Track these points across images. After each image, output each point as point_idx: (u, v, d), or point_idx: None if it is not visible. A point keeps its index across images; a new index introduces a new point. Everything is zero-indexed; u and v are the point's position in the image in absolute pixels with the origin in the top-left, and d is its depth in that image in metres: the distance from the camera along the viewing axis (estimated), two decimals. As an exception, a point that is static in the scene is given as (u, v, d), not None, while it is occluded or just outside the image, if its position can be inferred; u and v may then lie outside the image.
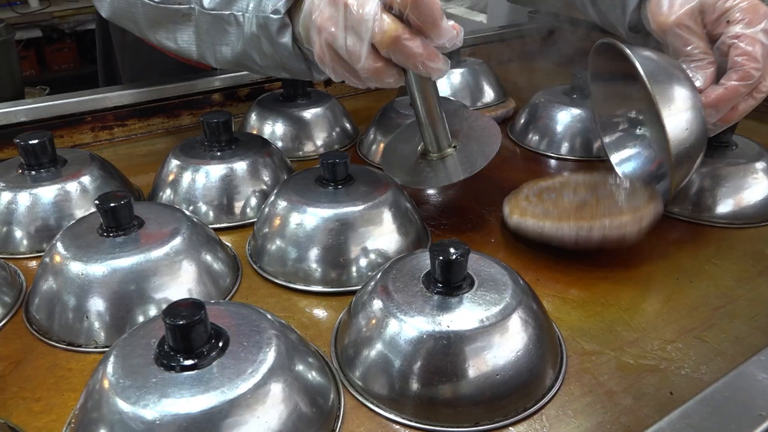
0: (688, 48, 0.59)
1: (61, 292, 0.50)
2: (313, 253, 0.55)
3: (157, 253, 0.51)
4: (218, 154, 0.68)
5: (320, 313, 0.54)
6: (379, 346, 0.44)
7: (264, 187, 0.68)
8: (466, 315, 0.43)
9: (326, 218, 0.55)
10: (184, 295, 0.52)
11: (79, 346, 0.49)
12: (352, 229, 0.55)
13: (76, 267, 0.50)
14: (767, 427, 0.34)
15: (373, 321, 0.45)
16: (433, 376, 0.42)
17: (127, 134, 0.89)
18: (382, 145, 0.81)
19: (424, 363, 0.42)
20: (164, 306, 0.38)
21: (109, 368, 0.39)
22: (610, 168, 0.71)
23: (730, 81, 0.56)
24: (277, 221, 0.57)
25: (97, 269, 0.50)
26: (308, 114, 0.84)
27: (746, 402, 0.36)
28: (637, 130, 0.73)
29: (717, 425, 0.34)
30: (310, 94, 0.87)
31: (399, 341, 0.43)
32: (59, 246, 0.52)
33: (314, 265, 0.56)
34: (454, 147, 0.64)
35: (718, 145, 0.68)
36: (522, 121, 0.88)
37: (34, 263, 0.60)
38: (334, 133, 0.86)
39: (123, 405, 0.36)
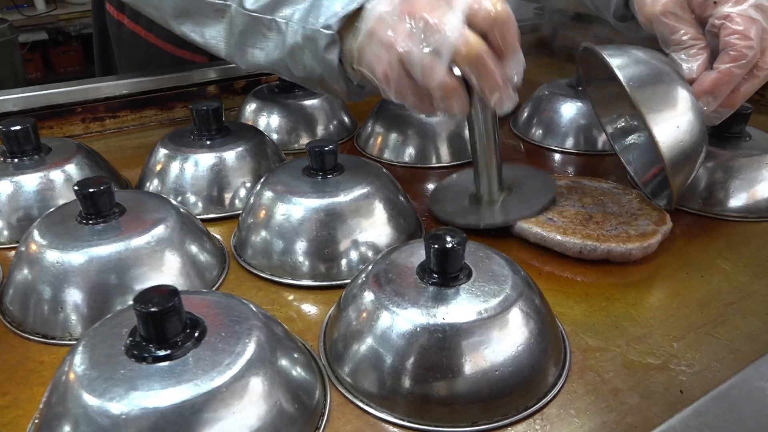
0: (677, 36, 0.56)
1: (36, 282, 0.47)
2: (300, 245, 0.53)
3: (139, 241, 0.49)
4: (208, 143, 0.66)
5: (309, 307, 0.51)
6: (369, 341, 0.41)
7: (255, 177, 0.65)
8: (462, 307, 0.40)
9: (313, 209, 0.53)
10: (167, 287, 0.49)
11: (54, 338, 0.47)
12: (341, 220, 0.53)
13: (51, 255, 0.47)
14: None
15: (364, 314, 0.43)
16: (427, 372, 0.39)
17: (119, 126, 0.86)
18: (380, 139, 0.78)
19: (418, 358, 0.39)
20: (145, 297, 0.36)
21: (76, 359, 0.36)
22: (618, 165, 0.69)
23: (723, 64, 0.53)
24: (262, 212, 0.55)
25: (74, 257, 0.47)
26: (305, 106, 0.82)
27: (764, 399, 0.33)
28: (638, 133, 0.70)
29: (733, 423, 0.31)
30: (307, 86, 0.84)
31: (391, 335, 0.40)
32: (35, 233, 0.49)
33: (301, 258, 0.53)
34: (507, 194, 0.61)
35: (730, 136, 0.65)
36: (525, 114, 0.85)
37: (13, 254, 0.58)
38: (331, 126, 0.83)
39: (88, 398, 0.33)
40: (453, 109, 0.49)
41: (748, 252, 0.57)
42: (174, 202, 0.56)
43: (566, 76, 0.89)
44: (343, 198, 0.53)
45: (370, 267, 0.45)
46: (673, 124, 0.52)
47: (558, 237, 0.55)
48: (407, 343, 0.40)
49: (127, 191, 0.57)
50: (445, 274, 0.42)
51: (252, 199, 0.57)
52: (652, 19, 0.57)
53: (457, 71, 0.48)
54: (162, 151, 0.66)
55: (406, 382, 0.40)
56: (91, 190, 0.49)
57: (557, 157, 0.79)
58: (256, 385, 0.36)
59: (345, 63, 0.53)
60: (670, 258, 0.56)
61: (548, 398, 0.41)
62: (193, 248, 0.53)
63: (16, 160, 0.62)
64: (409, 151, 0.76)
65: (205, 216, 0.64)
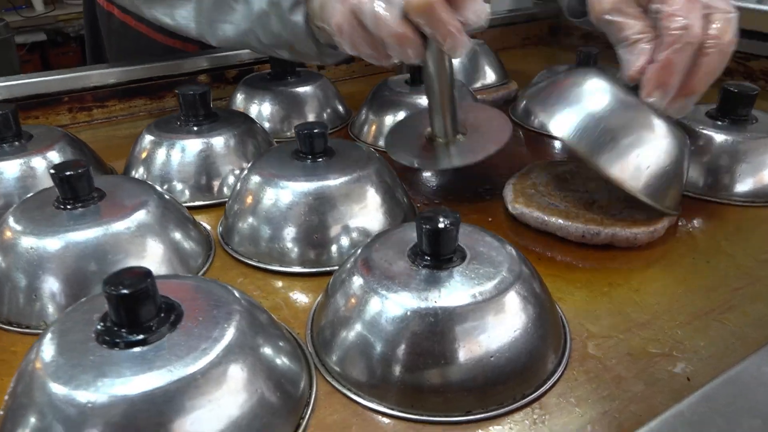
0: (624, 34, 0.51)
1: (10, 270, 0.45)
2: (288, 230, 0.50)
3: (118, 226, 0.47)
4: (195, 129, 0.63)
5: (297, 294, 0.49)
6: (358, 327, 0.39)
7: (245, 164, 0.63)
8: (456, 290, 0.38)
9: (302, 193, 0.50)
10: (148, 274, 0.47)
11: (29, 327, 0.45)
12: (331, 204, 0.50)
13: (26, 241, 0.45)
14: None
15: (352, 299, 0.40)
16: (419, 358, 0.37)
17: (107, 116, 0.84)
18: (374, 126, 0.76)
19: (409, 344, 0.37)
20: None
21: (44, 346, 0.34)
22: None
23: (661, 52, 0.48)
24: (249, 197, 0.52)
25: (50, 243, 0.45)
26: (297, 93, 0.79)
27: (779, 385, 0.31)
28: None
29: (744, 409, 0.29)
30: (300, 73, 0.82)
31: (380, 320, 0.38)
32: (10, 219, 0.47)
33: (289, 244, 0.51)
34: (463, 134, 0.60)
35: (736, 119, 0.63)
36: (524, 100, 0.83)
37: (-8, 243, 0.56)
38: (324, 114, 0.81)
39: (53, 386, 0.31)
40: (407, 56, 0.50)
41: (755, 237, 0.55)
42: (158, 188, 0.54)
43: (566, 63, 0.87)
44: (333, 182, 0.51)
45: (359, 251, 0.43)
46: (634, 163, 0.50)
47: (560, 221, 0.53)
48: (397, 329, 0.38)
49: (107, 176, 0.55)
50: (437, 256, 0.39)
51: (239, 184, 0.55)
52: (599, 18, 0.53)
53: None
54: (147, 138, 0.63)
55: (397, 370, 0.38)
56: (68, 173, 0.47)
57: (557, 144, 0.76)
58: (236, 372, 0.33)
59: (311, 23, 0.55)
60: (674, 243, 0.54)
61: (547, 386, 0.39)
62: (177, 235, 0.51)
63: (-5, 147, 0.60)
64: (405, 139, 0.74)
65: (193, 204, 0.61)
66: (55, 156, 0.61)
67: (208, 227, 0.58)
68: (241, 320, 0.36)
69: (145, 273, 0.33)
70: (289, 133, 0.78)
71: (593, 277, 0.49)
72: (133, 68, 0.83)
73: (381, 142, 0.74)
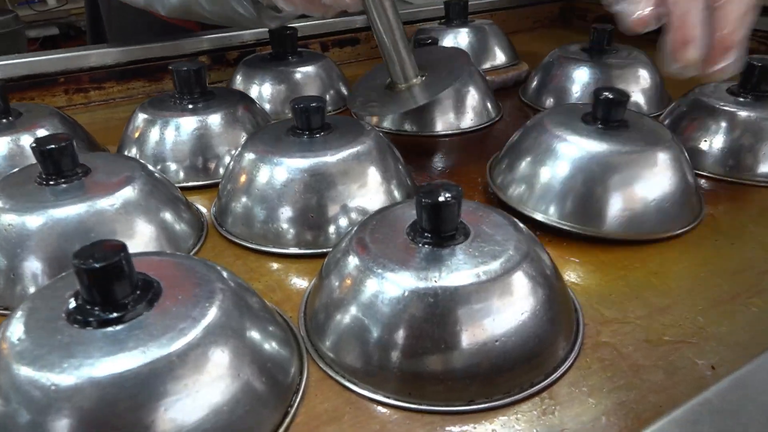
0: None
1: (-11, 248, 0.43)
2: (283, 210, 0.48)
3: (103, 203, 0.44)
4: (190, 107, 0.61)
5: (292, 276, 0.46)
6: (352, 309, 0.36)
7: (241, 143, 0.60)
8: (458, 268, 0.35)
9: (298, 170, 0.47)
10: (135, 254, 0.44)
11: (7, 309, 0.42)
12: (328, 182, 0.47)
13: (5, 218, 0.43)
14: None
15: (348, 280, 0.37)
16: (417, 342, 0.34)
17: (104, 98, 0.82)
18: (378, 107, 0.73)
19: (407, 327, 0.34)
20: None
21: (11, 327, 0.31)
22: None
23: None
24: (243, 176, 0.50)
25: (30, 220, 0.42)
26: (299, 73, 0.76)
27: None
28: None
29: (782, 399, 0.26)
30: (302, 54, 0.79)
31: (376, 302, 0.35)
32: (-12, 196, 0.45)
33: (285, 225, 0.48)
34: (423, 77, 0.59)
35: (759, 95, 0.59)
36: (536, 81, 0.79)
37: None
38: (327, 96, 0.78)
39: (17, 368, 0.29)
40: (344, 4, 0.50)
41: (782, 219, 0.51)
42: (149, 166, 0.51)
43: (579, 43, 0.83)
44: (331, 158, 0.48)
45: (354, 229, 0.40)
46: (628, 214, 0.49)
47: None
48: (395, 311, 0.35)
49: (93, 153, 0.53)
50: (438, 232, 0.36)
51: (232, 163, 0.52)
52: None
53: None
54: (141, 117, 0.61)
55: (394, 355, 0.35)
56: (50, 146, 0.44)
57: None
58: (216, 355, 0.31)
59: None
60: (696, 225, 0.50)
61: (557, 374, 0.36)
62: (167, 215, 0.48)
63: (-18, 124, 0.58)
64: (409, 120, 0.71)
65: (187, 184, 0.59)
66: (44, 134, 0.58)
67: (203, 209, 0.55)
68: (225, 300, 0.33)
69: (119, 246, 0.31)
70: (290, 115, 0.75)
71: (608, 259, 0.46)
72: (131, 48, 0.81)
73: (385, 124, 0.71)
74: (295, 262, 0.47)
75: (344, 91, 0.80)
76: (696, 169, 0.56)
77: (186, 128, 0.59)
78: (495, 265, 0.35)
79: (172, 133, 0.59)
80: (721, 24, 0.44)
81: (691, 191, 0.51)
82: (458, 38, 0.86)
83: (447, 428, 0.33)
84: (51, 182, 0.45)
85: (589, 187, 0.48)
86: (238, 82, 0.77)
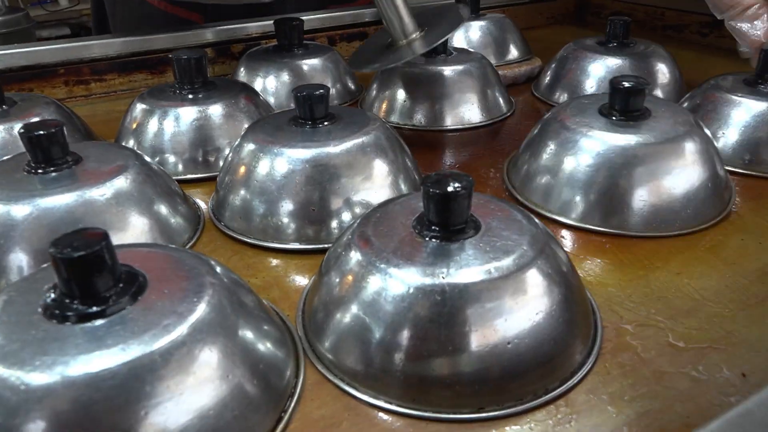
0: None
1: (-28, 239, 0.41)
2: (283, 203, 0.45)
3: (93, 193, 0.42)
4: (190, 96, 0.58)
5: (291, 273, 0.43)
6: (353, 308, 0.34)
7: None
8: (468, 264, 0.32)
9: (299, 160, 0.45)
10: (126, 248, 0.42)
11: (-10, 304, 0.40)
12: (330, 173, 0.45)
13: (-12, 207, 0.40)
14: None
15: (348, 277, 0.35)
16: (423, 344, 0.32)
17: (106, 90, 0.80)
18: (386, 101, 0.71)
19: (412, 327, 0.32)
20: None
21: (-16, 320, 0.29)
22: None
23: None
24: (241, 167, 0.47)
25: (16, 210, 0.40)
26: (304, 66, 0.74)
27: None
28: None
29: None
30: (308, 46, 0.77)
31: (379, 300, 0.33)
32: (-26, 184, 0.42)
33: (286, 219, 0.45)
34: (421, 32, 0.61)
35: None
36: (549, 75, 0.77)
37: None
38: (333, 90, 0.76)
39: (-16, 365, 0.26)
40: None
41: (813, 218, 0.48)
42: (144, 156, 0.49)
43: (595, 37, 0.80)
44: (334, 148, 0.46)
45: (356, 222, 0.38)
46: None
47: None
48: (399, 309, 0.32)
49: (86, 142, 0.51)
50: (446, 226, 0.34)
51: (231, 154, 0.50)
52: None
53: None
54: (139, 106, 0.59)
55: (397, 358, 0.32)
56: (39, 132, 0.42)
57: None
58: (203, 355, 0.28)
59: None
60: (720, 223, 0.47)
61: (574, 380, 0.33)
62: (161, 207, 0.46)
63: (-25, 112, 0.56)
64: (419, 114, 0.68)
65: (186, 177, 0.57)
66: (39, 124, 0.56)
67: (202, 203, 0.53)
68: (215, 295, 0.31)
69: (100, 234, 0.28)
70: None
71: (626, 257, 0.43)
72: (133, 39, 0.79)
73: (393, 118, 0.69)
74: (295, 258, 0.45)
75: (351, 85, 0.78)
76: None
77: (185, 119, 0.57)
78: (507, 261, 0.33)
79: (171, 124, 0.57)
80: None
81: (721, 184, 0.48)
82: (470, 32, 0.83)
83: (454, 437, 0.30)
84: (39, 171, 0.43)
85: (610, 183, 0.45)
86: (242, 74, 0.75)
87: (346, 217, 0.45)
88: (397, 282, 0.32)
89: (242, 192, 0.47)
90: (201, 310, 0.29)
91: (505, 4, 1.06)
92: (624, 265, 0.43)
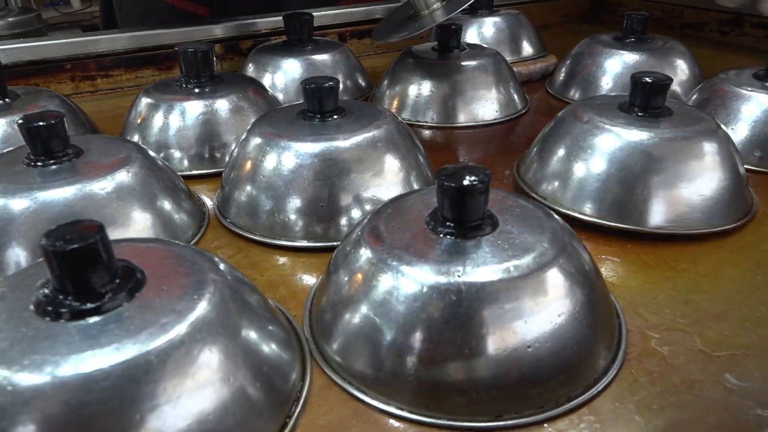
0: None
1: (-31, 233, 0.39)
2: (292, 199, 0.43)
3: (93, 187, 0.40)
4: (196, 91, 0.57)
5: (298, 271, 0.42)
6: (363, 308, 0.32)
7: (250, 130, 0.57)
8: (485, 262, 0.30)
9: (308, 155, 0.43)
10: (127, 243, 0.41)
11: (-14, 300, 0.39)
12: (341, 169, 0.43)
13: (-14, 200, 0.39)
14: None
15: (358, 275, 0.33)
16: (437, 346, 0.30)
17: (112, 86, 0.79)
18: (397, 98, 0.69)
19: (425, 329, 0.30)
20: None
21: (-27, 316, 0.27)
22: None
23: None
24: (248, 162, 0.46)
25: (14, 203, 0.39)
26: (314, 61, 0.72)
27: None
28: None
29: None
30: (318, 42, 0.75)
31: (390, 300, 0.31)
32: (-28, 176, 0.41)
33: (293, 216, 0.44)
34: (443, 2, 0.63)
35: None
36: (564, 72, 0.74)
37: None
38: (344, 86, 0.74)
39: (-30, 364, 0.25)
40: None
41: None
42: (148, 150, 0.47)
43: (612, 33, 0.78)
44: (343, 142, 0.44)
45: (367, 218, 0.36)
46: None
47: None
48: (411, 309, 0.30)
49: (88, 135, 0.49)
50: (462, 222, 0.32)
51: (237, 149, 0.48)
52: None
53: None
54: (144, 101, 0.57)
55: (410, 361, 0.30)
56: (38, 123, 0.41)
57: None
58: (203, 355, 0.26)
59: None
60: (747, 223, 0.45)
61: (599, 387, 0.31)
62: (165, 203, 0.44)
63: (-23, 105, 0.55)
64: (431, 110, 0.66)
65: (191, 173, 0.55)
66: (42, 118, 0.55)
67: (208, 200, 0.51)
68: (216, 293, 0.29)
69: (95, 227, 0.27)
70: (303, 104, 0.71)
71: (651, 259, 0.41)
72: (139, 34, 0.78)
73: (405, 115, 0.67)
74: (302, 256, 0.43)
75: (361, 81, 0.76)
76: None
77: (191, 113, 0.55)
78: (527, 260, 0.31)
79: (177, 119, 0.56)
80: None
81: (742, 183, 0.46)
82: (483, 28, 0.81)
83: (470, 447, 0.28)
84: (39, 163, 0.42)
85: (631, 179, 0.43)
86: (250, 70, 0.73)
87: (356, 214, 0.44)
88: (409, 281, 0.30)
89: (248, 188, 0.45)
90: (201, 308, 0.28)
91: (520, 2, 1.04)
92: (648, 266, 0.40)
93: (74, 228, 0.27)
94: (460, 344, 0.29)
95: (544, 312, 0.30)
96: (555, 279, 0.31)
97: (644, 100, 0.47)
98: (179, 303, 0.27)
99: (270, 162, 0.44)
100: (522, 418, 0.30)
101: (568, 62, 0.75)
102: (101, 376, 0.24)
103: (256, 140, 0.46)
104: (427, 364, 0.30)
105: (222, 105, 0.56)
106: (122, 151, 0.44)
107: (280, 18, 0.77)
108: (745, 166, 0.51)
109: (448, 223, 0.32)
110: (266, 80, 0.72)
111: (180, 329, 0.26)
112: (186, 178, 0.53)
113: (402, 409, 0.30)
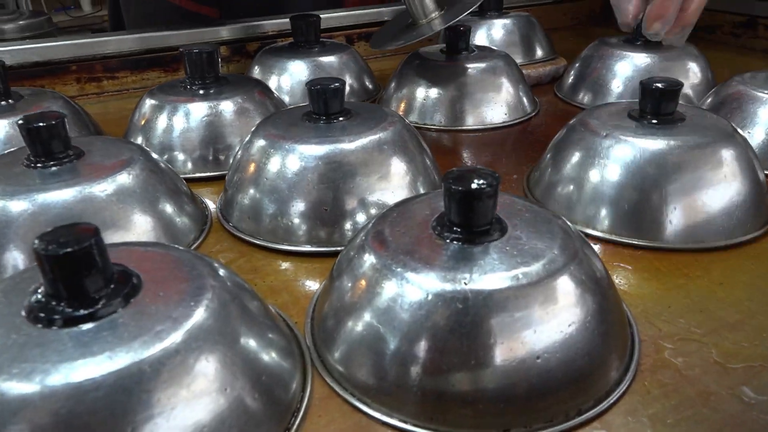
0: None
1: (-33, 236, 0.39)
2: (296, 203, 0.42)
3: (94, 189, 0.40)
4: (201, 92, 0.56)
5: (301, 277, 0.41)
6: (366, 316, 0.31)
7: (254, 133, 0.56)
8: (493, 269, 0.29)
9: (312, 157, 0.42)
10: (127, 247, 0.40)
11: (-17, 304, 0.38)
12: (346, 172, 0.42)
13: (-15, 202, 0.38)
14: None
15: (362, 281, 0.32)
16: (442, 356, 0.29)
17: (118, 88, 0.78)
18: (404, 101, 0.68)
19: (430, 337, 0.29)
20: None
21: (-36, 321, 0.26)
22: None
23: None
24: (251, 165, 0.45)
25: (12, 205, 0.38)
26: (321, 63, 0.72)
27: None
28: None
29: None
30: (324, 44, 0.75)
31: (395, 307, 0.30)
32: (-29, 178, 0.40)
33: (297, 220, 0.43)
34: (441, 11, 0.63)
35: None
36: (572, 75, 0.73)
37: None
38: (350, 89, 0.73)
39: (-42, 372, 0.24)
40: None
41: None
42: (151, 152, 0.47)
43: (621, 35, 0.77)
44: (349, 145, 0.43)
45: (371, 223, 0.35)
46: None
47: None
48: (416, 318, 0.29)
49: (90, 137, 0.49)
50: (470, 227, 0.31)
51: (240, 151, 0.47)
52: None
53: None
54: (148, 102, 0.57)
55: (414, 372, 0.29)
56: (38, 124, 0.40)
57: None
58: (199, 365, 0.26)
59: None
60: (766, 232, 0.44)
61: (611, 400, 0.30)
62: (167, 206, 0.44)
63: (-20, 106, 0.54)
64: (439, 113, 0.65)
65: (195, 175, 0.54)
66: (45, 119, 0.55)
67: (211, 204, 0.51)
68: (215, 299, 0.28)
69: (90, 230, 0.26)
70: (309, 107, 0.71)
71: (664, 266, 0.40)
72: (146, 36, 0.77)
73: (412, 117, 0.66)
74: (305, 261, 0.42)
75: (369, 84, 0.76)
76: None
77: (196, 115, 0.55)
78: (537, 267, 0.29)
79: (181, 120, 0.55)
80: (688, 6, 0.58)
81: (763, 190, 0.44)
82: (492, 30, 0.80)
83: (476, 462, 0.27)
84: (39, 165, 0.41)
85: (644, 191, 0.42)
86: (256, 72, 0.73)
87: (361, 218, 0.43)
88: (414, 288, 0.29)
89: (251, 191, 0.45)
90: (198, 315, 0.27)
91: (529, 4, 1.03)
92: (661, 273, 0.39)
93: (69, 231, 0.26)
94: (466, 354, 0.28)
95: (553, 321, 0.29)
96: (565, 287, 0.29)
97: (655, 106, 0.45)
98: (176, 310, 0.26)
99: (273, 164, 0.43)
100: (530, 430, 0.28)
101: (577, 65, 0.73)
102: (92, 386, 0.23)
103: (260, 142, 0.45)
104: (431, 374, 0.29)
105: (227, 107, 0.55)
106: (124, 152, 0.43)
107: (287, 20, 0.77)
108: (766, 171, 0.50)
109: (455, 228, 0.31)
110: (272, 82, 0.71)
111: (175, 337, 0.25)
112: (189, 180, 0.52)
113: (406, 422, 0.29)
